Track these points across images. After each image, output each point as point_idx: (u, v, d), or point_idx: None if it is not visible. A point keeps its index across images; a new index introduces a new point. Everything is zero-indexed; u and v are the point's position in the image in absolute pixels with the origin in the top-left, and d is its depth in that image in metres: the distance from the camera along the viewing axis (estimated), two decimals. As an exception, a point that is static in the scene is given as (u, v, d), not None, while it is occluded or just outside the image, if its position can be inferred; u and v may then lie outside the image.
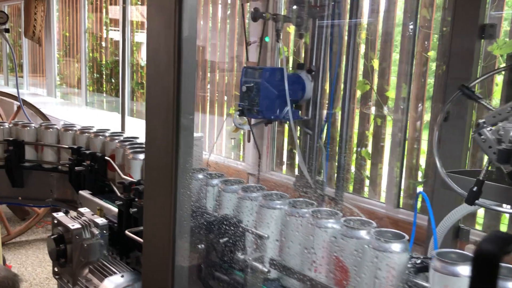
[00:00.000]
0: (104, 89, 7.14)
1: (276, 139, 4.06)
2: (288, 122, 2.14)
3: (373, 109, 3.30)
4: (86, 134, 2.01)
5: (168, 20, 0.99)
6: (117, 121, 5.30)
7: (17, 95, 4.13)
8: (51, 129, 2.08)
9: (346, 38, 2.31)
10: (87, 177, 1.86)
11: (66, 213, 1.57)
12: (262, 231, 1.11)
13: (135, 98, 6.38)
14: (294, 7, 2.11)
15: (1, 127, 2.11)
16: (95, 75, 7.22)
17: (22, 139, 2.09)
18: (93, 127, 2.11)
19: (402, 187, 3.22)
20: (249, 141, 3.11)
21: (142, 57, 6.24)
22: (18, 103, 4.28)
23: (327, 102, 2.34)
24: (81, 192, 1.81)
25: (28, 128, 2.10)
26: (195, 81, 1.04)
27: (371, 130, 3.32)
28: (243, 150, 4.53)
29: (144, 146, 1.78)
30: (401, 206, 3.22)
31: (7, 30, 2.66)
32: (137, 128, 4.64)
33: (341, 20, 2.23)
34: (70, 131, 2.06)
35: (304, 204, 1.13)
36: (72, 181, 1.97)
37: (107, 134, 1.98)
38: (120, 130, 3.70)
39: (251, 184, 1.22)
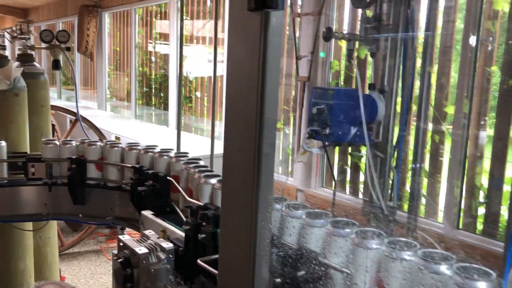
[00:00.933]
0: (153, 102, 7.28)
1: (324, 154, 3.98)
2: (356, 144, 2.07)
3: (430, 125, 3.18)
4: (150, 153, 2.00)
5: (252, 46, 0.95)
6: (166, 134, 5.37)
7: (72, 110, 4.25)
8: (116, 148, 2.09)
9: (413, 53, 2.22)
10: (149, 197, 1.85)
11: (122, 229, 1.56)
12: (348, 269, 1.05)
13: (182, 112, 6.46)
14: (366, 25, 2.04)
15: (68, 145, 2.14)
16: (144, 89, 7.38)
17: (87, 157, 2.11)
18: (156, 146, 2.10)
19: (462, 207, 3.08)
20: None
21: (187, 71, 6.32)
22: (71, 117, 4.40)
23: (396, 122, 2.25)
24: (143, 212, 1.80)
25: (94, 146, 2.12)
26: (277, 110, 0.99)
27: (428, 147, 3.19)
28: (291, 165, 4.47)
29: (209, 169, 1.76)
30: (460, 227, 3.07)
31: (68, 49, 2.72)
32: (186, 142, 4.68)
33: (414, 35, 2.14)
34: (134, 150, 2.06)
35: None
36: (133, 201, 1.96)
37: (171, 154, 1.96)
38: (177, 148, 3.74)
39: (341, 218, 1.15)
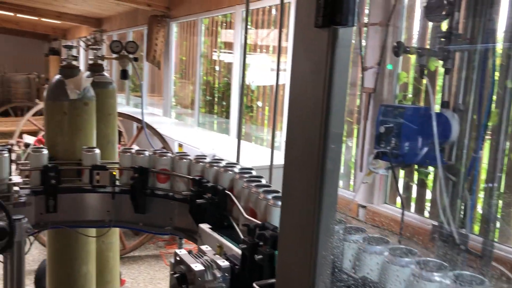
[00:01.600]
0: (215, 111, 7.38)
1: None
2: (428, 166, 1.94)
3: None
4: (215, 168, 1.99)
5: (317, 64, 0.90)
6: (226, 143, 5.41)
7: (138, 117, 4.39)
8: (184, 160, 2.10)
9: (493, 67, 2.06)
10: (207, 210, 1.84)
11: (181, 239, 1.55)
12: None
13: (244, 120, 6.48)
14: (439, 38, 1.92)
15: (142, 155, 2.18)
16: (207, 97, 7.50)
17: (152, 167, 2.14)
18: (223, 160, 2.09)
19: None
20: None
21: (250, 79, 6.34)
22: (138, 124, 4.54)
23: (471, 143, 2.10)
24: (201, 225, 1.78)
25: (164, 157, 2.14)
26: (343, 131, 0.93)
27: (504, 168, 2.97)
28: (353, 178, 4.33)
29: (270, 186, 1.72)
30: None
31: (136, 59, 2.80)
32: (246, 152, 4.68)
33: (492, 47, 1.99)
34: (201, 163, 2.06)
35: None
36: (192, 213, 1.96)
37: (236, 169, 1.94)
38: (237, 158, 3.73)
39: (429, 259, 1.06)
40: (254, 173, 1.87)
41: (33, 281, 3.90)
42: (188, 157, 2.12)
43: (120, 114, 4.62)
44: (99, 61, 2.82)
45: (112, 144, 2.93)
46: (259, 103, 6.30)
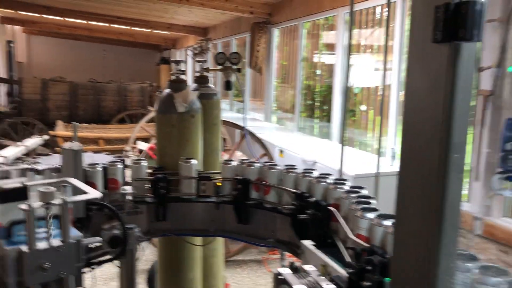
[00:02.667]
0: (316, 115, 7.31)
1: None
2: None
3: None
4: (308, 178, 1.95)
5: (436, 81, 0.81)
6: (327, 149, 5.30)
7: (241, 124, 4.48)
8: (273, 170, 2.09)
9: None
10: (310, 226, 1.79)
11: (282, 254, 1.51)
12: None
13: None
14: None
15: (228, 165, 2.22)
16: (308, 101, 7.46)
17: (248, 177, 2.16)
18: (314, 170, 2.04)
19: None
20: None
21: (351, 81, 6.16)
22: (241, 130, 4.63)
23: None
24: (304, 242, 1.74)
25: (252, 167, 2.16)
26: (464, 156, 0.83)
27: None
28: (468, 187, 3.99)
29: (373, 206, 1.63)
30: None
31: (239, 70, 2.84)
32: (349, 158, 4.54)
33: None
34: (292, 173, 2.03)
35: None
36: (294, 227, 1.93)
37: (329, 180, 1.88)
38: (340, 164, 3.64)
39: None
40: (365, 192, 1.78)
41: (146, 280, 4.14)
42: (278, 168, 2.09)
43: (224, 122, 4.75)
44: (205, 73, 2.90)
45: (217, 152, 3.00)
46: (363, 107, 6.11)
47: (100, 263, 2.05)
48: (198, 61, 2.89)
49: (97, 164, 2.11)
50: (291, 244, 2.08)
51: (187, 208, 2.29)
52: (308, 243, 1.74)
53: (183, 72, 2.44)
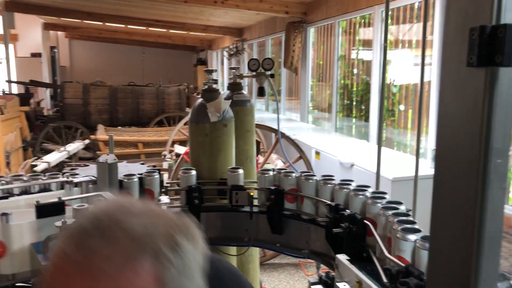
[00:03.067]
0: (354, 115, 7.19)
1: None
2: None
3: None
4: (345, 190, 1.91)
5: (471, 108, 0.76)
6: (365, 150, 5.19)
7: (275, 127, 4.45)
8: (310, 181, 2.06)
9: None
10: (345, 240, 1.75)
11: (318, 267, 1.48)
12: None
13: (384, 125, 6.18)
14: None
15: (266, 175, 2.20)
16: (345, 101, 7.35)
17: (282, 187, 2.14)
18: (352, 181, 1.99)
19: None
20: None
21: (390, 78, 6.01)
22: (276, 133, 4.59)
23: None
24: (338, 256, 1.70)
25: (289, 177, 2.13)
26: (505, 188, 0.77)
27: None
28: (513, 192, 3.81)
29: (410, 219, 1.57)
30: None
31: (272, 75, 2.82)
32: (387, 159, 4.43)
33: None
34: (329, 185, 1.99)
35: None
36: (329, 240, 1.89)
37: (367, 193, 1.83)
38: (377, 167, 3.55)
39: None
40: (402, 208, 1.72)
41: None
42: (314, 179, 2.06)
43: (257, 125, 4.74)
44: (238, 80, 2.89)
45: (251, 160, 3.00)
46: (402, 107, 5.95)
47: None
48: (231, 68, 2.89)
49: (133, 175, 2.14)
50: (326, 256, 2.05)
51: (221, 218, 2.29)
52: (342, 258, 1.70)
53: (216, 81, 2.44)
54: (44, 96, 16.97)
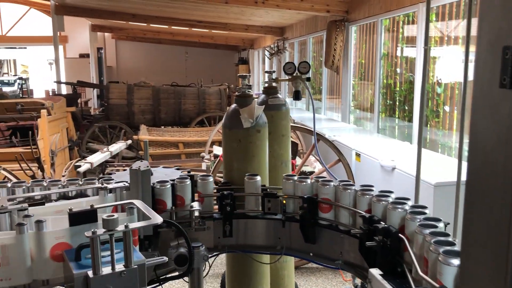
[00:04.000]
0: (397, 115, 7.00)
1: None
2: None
3: None
4: (383, 202, 1.83)
5: (503, 130, 0.70)
6: (407, 152, 5.01)
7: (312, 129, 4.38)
8: (348, 191, 2.00)
9: None
10: (378, 253, 1.69)
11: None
12: None
13: (428, 126, 5.97)
14: None
15: (303, 183, 2.15)
16: (388, 101, 7.16)
17: (319, 196, 2.08)
18: (391, 192, 1.91)
19: None
20: None
21: (437, 76, 5.79)
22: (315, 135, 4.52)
23: None
24: (371, 270, 1.64)
25: (327, 186, 2.07)
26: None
27: None
28: None
29: (450, 239, 1.49)
30: None
31: (308, 79, 2.77)
32: (429, 163, 4.27)
33: None
34: (367, 196, 1.92)
35: None
36: (362, 252, 1.83)
37: (406, 207, 1.75)
38: (417, 173, 3.42)
39: None
40: (441, 225, 1.63)
41: (220, 284, 4.21)
42: (353, 188, 1.99)
43: (294, 127, 4.69)
44: (274, 84, 2.86)
45: (286, 164, 2.96)
46: (447, 108, 5.73)
47: (167, 279, 2.09)
48: (267, 72, 2.86)
49: (166, 181, 2.15)
50: (359, 268, 1.99)
51: (253, 225, 2.27)
52: (375, 272, 1.64)
53: (250, 87, 2.42)
54: (91, 96, 17.57)
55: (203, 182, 2.24)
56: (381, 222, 1.76)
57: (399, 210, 1.74)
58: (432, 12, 5.59)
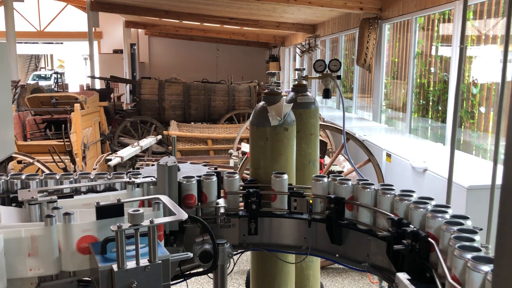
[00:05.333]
0: (430, 116, 6.83)
1: None
2: None
3: None
4: (406, 202, 1.79)
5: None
6: (440, 154, 4.88)
7: (342, 127, 4.32)
8: (368, 190, 1.96)
9: None
10: (406, 257, 1.64)
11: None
12: None
13: (462, 127, 5.80)
14: None
15: (320, 182, 2.12)
16: (421, 101, 7.00)
17: (341, 196, 2.04)
18: (413, 192, 1.87)
19: None
20: None
21: (472, 76, 5.62)
22: (345, 133, 4.45)
23: None
24: (399, 275, 1.60)
25: (345, 185, 2.04)
26: None
27: None
28: None
29: (479, 246, 1.43)
30: None
31: (339, 77, 2.72)
32: (463, 166, 4.14)
33: None
34: (389, 195, 1.88)
35: None
36: (389, 255, 1.79)
37: (429, 206, 1.70)
38: (449, 176, 3.32)
39: None
40: (469, 223, 1.58)
41: (245, 281, 4.20)
42: (372, 188, 1.94)
43: (323, 126, 4.63)
44: (303, 81, 2.83)
45: (314, 163, 2.92)
46: (482, 109, 5.55)
47: (191, 275, 2.10)
48: (296, 70, 2.83)
49: (192, 177, 2.15)
50: (387, 271, 1.94)
51: (279, 224, 2.24)
52: (403, 277, 1.59)
53: (278, 84, 2.39)
54: (123, 91, 17.89)
55: (228, 180, 2.23)
56: (410, 225, 1.72)
57: (421, 210, 1.70)
58: (470, 9, 5.42)
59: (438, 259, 1.55)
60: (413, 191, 1.90)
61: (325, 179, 2.14)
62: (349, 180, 2.08)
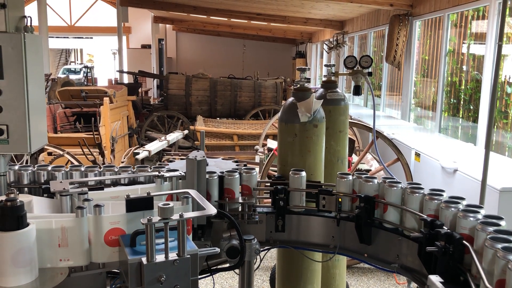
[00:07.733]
0: (460, 115, 6.67)
1: None
2: None
3: None
4: (436, 201, 1.74)
5: None
6: (471, 155, 4.75)
7: (371, 126, 4.25)
8: (395, 188, 1.91)
9: None
10: (439, 260, 1.59)
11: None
12: None
13: (495, 127, 5.64)
14: None
15: (344, 179, 2.09)
16: (451, 100, 6.84)
17: (369, 194, 2.00)
18: (443, 191, 1.81)
19: None
20: None
21: (506, 75, 5.44)
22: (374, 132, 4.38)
23: None
24: (431, 277, 1.55)
25: (371, 183, 2.00)
26: None
27: None
28: None
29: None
30: None
31: (370, 74, 2.67)
32: (496, 167, 4.02)
33: None
34: (417, 194, 1.83)
35: None
36: (421, 257, 1.74)
37: (460, 206, 1.65)
38: (483, 176, 3.23)
39: None
40: (503, 223, 1.53)
41: (269, 277, 4.19)
42: (399, 186, 1.90)
43: (352, 123, 4.57)
44: (333, 78, 2.79)
45: (342, 161, 2.88)
46: (516, 109, 5.38)
47: (218, 270, 2.10)
48: (326, 65, 2.79)
49: (214, 172, 2.14)
50: (417, 273, 1.89)
51: (307, 221, 2.22)
52: (436, 280, 1.55)
53: (308, 80, 2.36)
54: (151, 86, 18.09)
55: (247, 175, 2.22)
56: (444, 227, 1.67)
57: (453, 209, 1.65)
58: (507, 6, 5.25)
59: (472, 261, 1.50)
60: (443, 191, 1.86)
61: (350, 177, 2.10)
62: (375, 178, 2.04)
